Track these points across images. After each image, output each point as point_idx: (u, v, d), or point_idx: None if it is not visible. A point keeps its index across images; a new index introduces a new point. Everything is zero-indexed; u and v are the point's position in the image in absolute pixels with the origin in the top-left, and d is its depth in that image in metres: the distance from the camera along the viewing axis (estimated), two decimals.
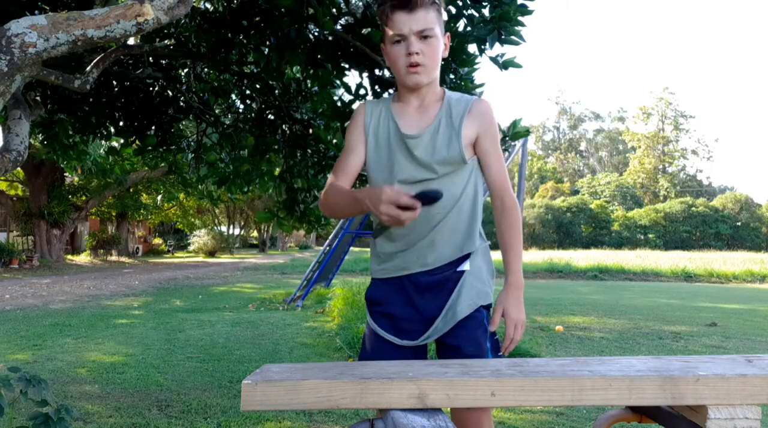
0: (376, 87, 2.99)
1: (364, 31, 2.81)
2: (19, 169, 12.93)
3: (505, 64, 2.55)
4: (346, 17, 2.83)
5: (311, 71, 3.10)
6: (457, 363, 1.07)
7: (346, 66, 3.00)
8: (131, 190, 20.39)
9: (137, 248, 26.16)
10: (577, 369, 1.00)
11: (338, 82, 3.16)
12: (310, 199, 3.85)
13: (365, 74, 3.01)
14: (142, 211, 22.64)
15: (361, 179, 2.83)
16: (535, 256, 22.91)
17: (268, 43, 3.03)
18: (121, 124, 3.90)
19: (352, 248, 10.60)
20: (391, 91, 3.02)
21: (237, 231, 35.94)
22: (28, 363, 4.55)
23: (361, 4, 2.93)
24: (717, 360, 1.06)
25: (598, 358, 1.08)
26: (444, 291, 1.51)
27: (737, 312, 8.78)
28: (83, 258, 21.19)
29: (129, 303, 8.89)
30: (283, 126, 3.86)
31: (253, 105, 4.22)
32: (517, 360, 1.09)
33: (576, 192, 54.80)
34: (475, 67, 2.78)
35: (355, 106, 3.24)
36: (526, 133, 2.95)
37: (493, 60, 2.53)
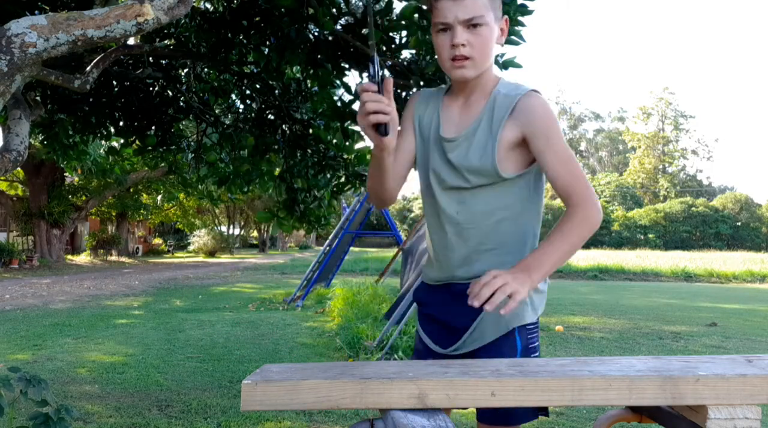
0: None
1: (364, 31, 2.81)
2: (19, 169, 12.93)
3: (505, 64, 2.55)
4: (346, 17, 2.83)
5: (311, 71, 3.10)
6: (458, 363, 1.07)
7: (346, 66, 3.00)
8: (131, 190, 20.39)
9: (137, 248, 26.16)
10: (577, 369, 1.00)
11: (338, 82, 3.15)
12: (310, 198, 3.85)
13: (365, 74, 3.01)
14: (142, 210, 22.64)
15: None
16: None
17: (268, 43, 3.03)
18: (121, 124, 3.89)
19: (352, 248, 10.60)
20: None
21: (237, 231, 35.94)
22: (28, 363, 4.55)
23: (361, 4, 2.93)
24: (717, 360, 1.06)
25: (598, 358, 1.08)
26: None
27: (737, 312, 8.78)
28: (83, 258, 21.19)
29: (129, 303, 8.89)
30: (283, 126, 3.86)
31: (253, 105, 4.22)
32: (518, 361, 1.09)
33: None
34: None
35: (355, 106, 3.24)
36: None
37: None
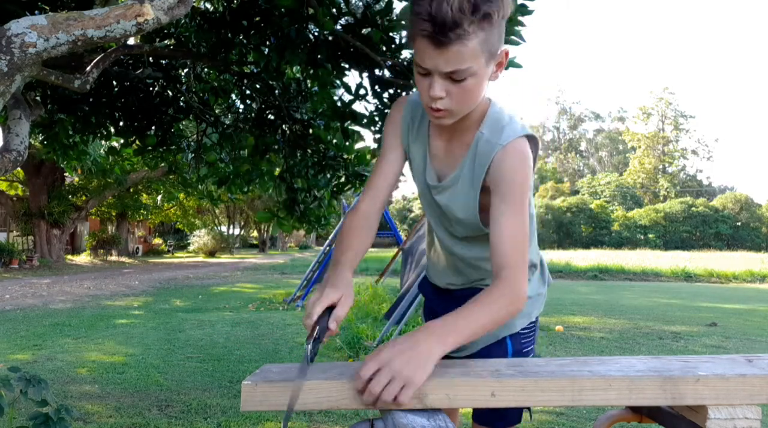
0: (376, 87, 2.99)
1: (364, 31, 2.81)
2: (19, 169, 12.91)
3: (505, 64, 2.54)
4: (346, 17, 2.83)
5: (311, 71, 3.10)
6: (458, 364, 1.07)
7: (346, 66, 3.00)
8: (131, 190, 20.39)
9: (137, 248, 26.16)
10: (576, 369, 1.00)
11: (338, 82, 3.16)
12: (310, 199, 3.85)
13: (365, 74, 3.01)
14: (142, 210, 22.64)
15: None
16: None
17: (268, 43, 3.03)
18: (121, 124, 3.90)
19: None
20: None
21: (237, 231, 35.94)
22: (28, 363, 4.55)
23: (361, 4, 2.93)
24: (717, 360, 1.06)
25: (597, 358, 1.08)
26: None
27: (737, 312, 8.78)
28: (83, 258, 21.19)
29: (129, 303, 8.89)
30: (283, 126, 3.86)
31: (253, 105, 4.22)
32: (517, 360, 1.09)
33: (576, 192, 54.83)
34: None
35: (355, 106, 3.24)
36: None
37: None
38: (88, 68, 2.34)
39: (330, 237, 9.76)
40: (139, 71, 3.49)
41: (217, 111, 4.39)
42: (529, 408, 1.33)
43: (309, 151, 3.86)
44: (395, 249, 10.10)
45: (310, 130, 3.80)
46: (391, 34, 2.78)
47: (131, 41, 3.29)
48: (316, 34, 2.93)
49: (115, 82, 3.66)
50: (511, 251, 1.10)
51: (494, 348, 1.35)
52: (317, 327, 1.00)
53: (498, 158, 1.15)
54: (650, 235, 42.10)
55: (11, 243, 18.02)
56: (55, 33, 1.43)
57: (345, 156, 3.70)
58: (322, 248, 10.37)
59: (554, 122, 73.47)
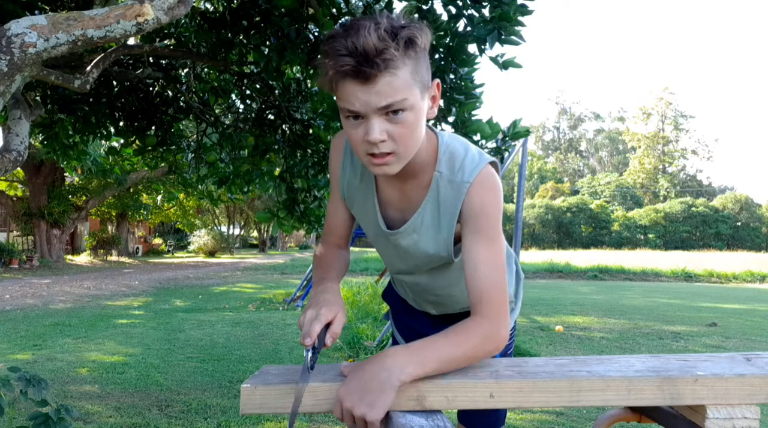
0: None
1: None
2: (19, 169, 12.91)
3: (505, 64, 2.54)
4: (346, 17, 2.83)
5: (311, 71, 3.10)
6: None
7: None
8: (131, 190, 20.39)
9: (137, 248, 26.16)
10: (575, 369, 1.00)
11: None
12: (310, 199, 3.85)
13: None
14: (142, 211, 22.63)
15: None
16: (535, 256, 22.92)
17: (268, 43, 3.03)
18: (121, 124, 3.90)
19: (352, 248, 10.61)
20: None
21: (237, 231, 35.94)
22: (28, 363, 4.55)
23: (361, 4, 2.93)
24: (716, 359, 1.06)
25: (596, 358, 1.08)
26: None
27: (737, 312, 8.78)
28: (83, 259, 21.19)
29: (129, 303, 8.89)
30: (283, 126, 3.86)
31: (253, 105, 4.23)
32: (516, 361, 1.09)
33: (576, 192, 54.83)
34: (475, 67, 2.77)
35: None
36: (526, 133, 2.95)
37: (493, 60, 2.53)
38: (88, 68, 2.34)
39: None
40: (139, 71, 3.49)
41: (217, 111, 4.39)
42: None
43: (309, 151, 3.86)
44: None
45: (310, 130, 3.80)
46: None
47: (131, 41, 3.29)
48: (316, 34, 2.93)
49: (115, 82, 3.66)
50: (489, 285, 1.03)
51: None
52: (316, 340, 1.01)
53: (468, 197, 1.07)
54: (650, 235, 42.10)
55: (11, 243, 18.02)
56: (55, 33, 1.43)
57: None
58: None
59: (554, 122, 73.49)
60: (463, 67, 2.69)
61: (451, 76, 2.69)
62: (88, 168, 13.47)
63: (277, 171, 4.09)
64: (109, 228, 24.53)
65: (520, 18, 2.38)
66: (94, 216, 23.65)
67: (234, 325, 6.60)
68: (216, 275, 15.06)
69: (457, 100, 2.62)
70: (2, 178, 14.93)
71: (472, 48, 2.61)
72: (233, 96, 4.30)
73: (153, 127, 3.89)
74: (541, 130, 72.49)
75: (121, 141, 4.44)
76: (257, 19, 2.92)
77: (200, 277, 14.22)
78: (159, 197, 21.55)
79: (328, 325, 1.02)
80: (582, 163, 72.17)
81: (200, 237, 26.81)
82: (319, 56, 0.93)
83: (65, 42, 1.45)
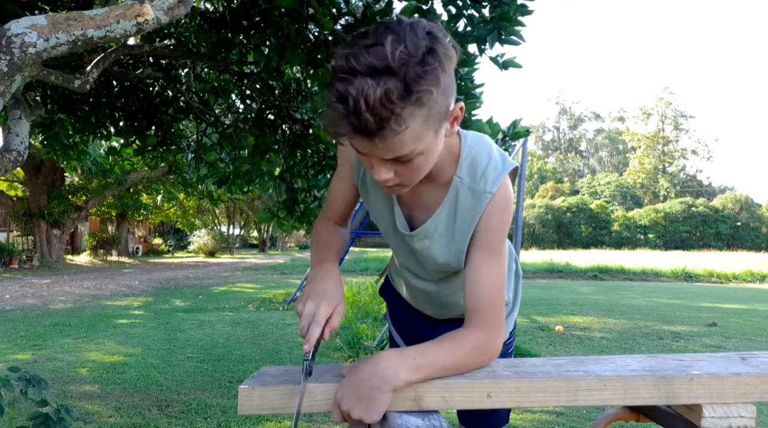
0: None
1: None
2: (19, 169, 12.92)
3: (505, 64, 2.55)
4: (346, 17, 2.84)
5: (311, 71, 3.10)
6: None
7: None
8: (131, 190, 20.39)
9: (137, 248, 26.16)
10: (572, 369, 1.00)
11: None
12: (310, 199, 3.85)
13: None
14: (142, 210, 22.63)
15: None
16: (535, 256, 22.92)
17: (268, 43, 3.03)
18: (121, 124, 3.90)
19: (352, 248, 10.59)
20: None
21: (237, 231, 35.94)
22: (28, 363, 4.55)
23: (361, 4, 2.93)
24: (712, 359, 1.06)
25: (593, 357, 1.08)
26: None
27: (737, 312, 8.78)
28: (83, 258, 21.19)
29: (129, 303, 8.89)
30: (283, 126, 3.86)
31: (253, 105, 4.23)
32: (514, 361, 1.09)
33: (576, 192, 54.83)
34: (475, 67, 2.78)
35: None
36: (526, 133, 2.95)
37: (493, 60, 2.53)
38: (88, 68, 2.34)
39: None
40: (139, 71, 3.49)
41: (217, 111, 4.39)
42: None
43: (309, 151, 3.86)
44: None
45: (310, 130, 3.80)
46: None
47: (131, 41, 3.29)
48: (316, 34, 2.94)
49: (115, 82, 3.67)
50: (489, 298, 1.03)
51: None
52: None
53: (487, 211, 1.05)
54: (650, 235, 42.11)
55: (11, 243, 18.03)
56: (55, 33, 1.44)
57: None
58: None
59: (554, 122, 73.49)
60: (464, 67, 2.70)
61: None
62: (88, 168, 13.48)
63: (277, 171, 4.09)
64: (109, 228, 24.53)
65: (520, 18, 2.39)
66: (94, 217, 23.66)
67: (234, 325, 6.60)
68: (216, 275, 15.06)
69: (457, 100, 2.62)
70: (2, 177, 14.94)
71: (472, 48, 2.61)
72: (233, 96, 4.31)
73: (153, 127, 3.89)
74: (541, 130, 72.49)
75: (121, 141, 4.44)
76: (257, 19, 2.93)
77: (200, 277, 14.22)
78: (159, 197, 21.57)
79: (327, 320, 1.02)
80: (582, 163, 72.18)
81: (200, 237, 26.82)
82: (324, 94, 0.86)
83: (65, 42, 1.45)
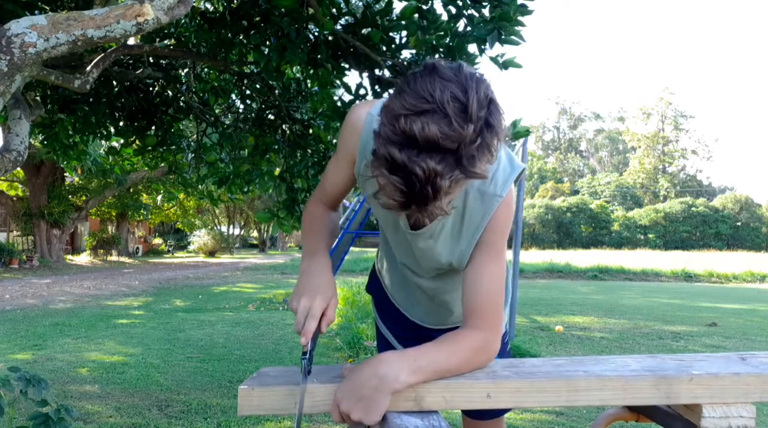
0: (376, 87, 3.00)
1: (364, 31, 2.82)
2: (19, 169, 12.91)
3: (505, 64, 2.55)
4: (346, 17, 2.84)
5: (311, 71, 3.10)
6: None
7: (346, 66, 3.00)
8: (131, 190, 20.39)
9: (137, 248, 26.16)
10: (572, 369, 1.00)
11: (338, 82, 3.16)
12: None
13: (365, 74, 3.01)
14: (142, 211, 22.63)
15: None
16: (535, 256, 22.92)
17: (268, 43, 3.03)
18: (121, 124, 3.90)
19: (352, 248, 10.59)
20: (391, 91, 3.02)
21: (237, 231, 35.94)
22: (28, 363, 4.55)
23: (361, 4, 2.93)
24: (711, 359, 1.06)
25: (593, 358, 1.08)
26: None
27: (737, 312, 8.78)
28: (83, 259, 21.19)
29: (129, 303, 8.89)
30: (283, 126, 3.86)
31: (253, 105, 4.23)
32: (514, 361, 1.09)
33: (576, 192, 54.84)
34: (475, 67, 2.78)
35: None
36: (526, 133, 2.95)
37: (493, 60, 2.53)
38: (88, 68, 2.34)
39: None
40: (139, 71, 3.49)
41: (217, 111, 4.39)
42: None
43: (309, 151, 3.86)
44: None
45: (310, 130, 3.80)
46: (391, 34, 2.79)
47: (131, 41, 3.29)
48: (316, 34, 2.94)
49: (115, 82, 3.66)
50: (489, 299, 1.04)
51: None
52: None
53: (495, 214, 1.06)
54: (650, 235, 42.10)
55: (11, 243, 18.03)
56: (55, 33, 1.44)
57: None
58: None
59: (554, 122, 73.46)
60: None
61: None
62: (88, 168, 13.47)
63: (277, 171, 4.09)
64: (109, 228, 24.53)
65: (520, 18, 2.39)
66: (94, 216, 23.65)
67: (234, 325, 6.60)
68: (216, 275, 15.06)
69: None
70: (2, 177, 14.93)
71: (472, 48, 2.62)
72: (233, 96, 4.30)
73: (153, 127, 3.89)
74: (541, 130, 72.47)
75: (121, 141, 4.44)
76: (257, 19, 2.92)
77: (200, 277, 14.22)
78: (159, 197, 21.54)
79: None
80: (582, 163, 72.17)
81: (200, 237, 26.82)
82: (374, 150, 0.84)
83: (65, 42, 1.45)
